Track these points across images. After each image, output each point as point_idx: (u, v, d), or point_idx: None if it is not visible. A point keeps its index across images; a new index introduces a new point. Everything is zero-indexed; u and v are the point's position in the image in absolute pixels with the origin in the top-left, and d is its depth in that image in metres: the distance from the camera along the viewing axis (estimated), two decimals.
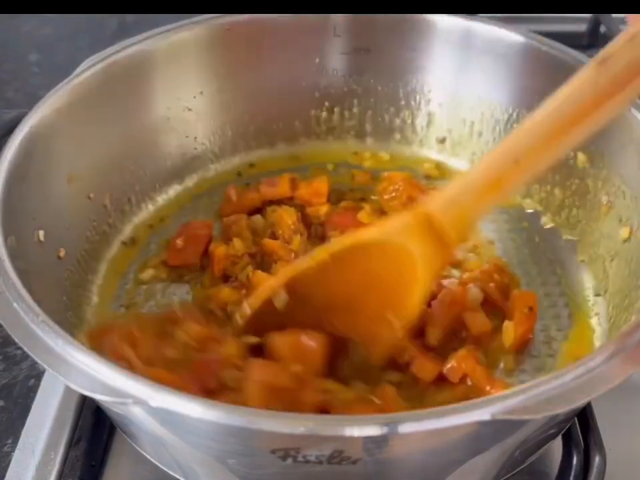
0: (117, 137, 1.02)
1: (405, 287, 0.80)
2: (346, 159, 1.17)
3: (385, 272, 0.80)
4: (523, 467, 0.77)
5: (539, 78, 1.03)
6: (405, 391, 0.82)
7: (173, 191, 1.11)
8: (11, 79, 1.48)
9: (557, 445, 0.80)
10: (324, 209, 1.05)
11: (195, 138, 1.12)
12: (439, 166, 1.14)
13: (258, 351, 0.81)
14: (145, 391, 0.61)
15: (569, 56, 0.99)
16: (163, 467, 0.77)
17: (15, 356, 0.96)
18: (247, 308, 0.85)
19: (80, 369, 0.63)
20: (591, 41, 1.46)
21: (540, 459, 0.81)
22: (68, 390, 0.85)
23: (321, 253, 0.83)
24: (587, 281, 0.97)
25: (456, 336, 0.89)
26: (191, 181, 1.12)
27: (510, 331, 0.88)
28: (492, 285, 0.93)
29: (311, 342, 0.78)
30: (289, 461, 0.62)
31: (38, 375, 0.93)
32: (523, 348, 0.89)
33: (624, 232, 0.91)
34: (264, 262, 0.98)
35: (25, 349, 0.66)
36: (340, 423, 0.60)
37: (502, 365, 0.87)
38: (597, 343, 0.90)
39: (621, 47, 0.71)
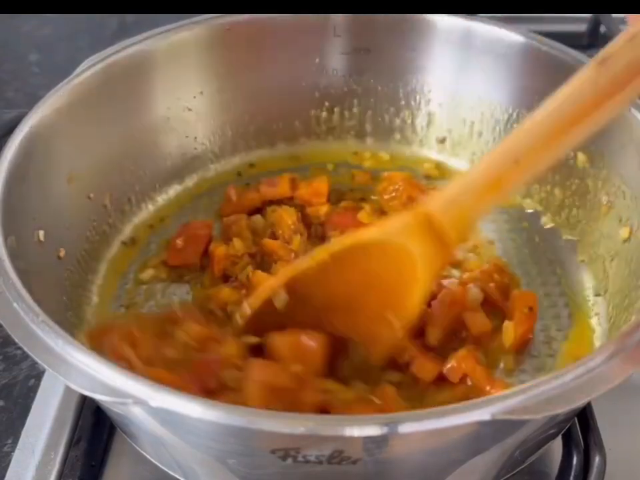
0: (117, 137, 1.02)
1: (405, 287, 0.80)
2: (346, 159, 1.17)
3: (384, 272, 0.80)
4: (523, 467, 0.77)
5: (539, 78, 1.03)
6: (405, 391, 0.82)
7: (173, 191, 1.11)
8: (10, 78, 1.48)
9: (557, 445, 0.80)
10: (324, 209, 1.05)
11: (195, 138, 1.12)
12: (438, 166, 1.14)
13: (258, 351, 0.81)
14: (145, 390, 0.61)
15: (568, 56, 0.99)
16: (163, 467, 0.77)
17: (15, 356, 0.96)
18: (247, 308, 0.85)
19: (80, 369, 0.63)
20: (591, 41, 1.46)
21: (540, 459, 0.81)
22: (68, 390, 0.85)
23: (321, 253, 0.83)
24: (587, 281, 0.97)
25: (456, 336, 0.89)
26: (191, 181, 1.12)
27: (510, 331, 0.88)
28: (492, 284, 0.93)
29: (311, 342, 0.78)
30: (289, 460, 0.62)
31: (38, 375, 0.93)
32: (522, 348, 0.89)
33: (624, 232, 0.91)
34: (264, 262, 0.98)
35: (25, 349, 0.66)
36: (340, 423, 0.60)
37: (502, 364, 0.87)
38: (597, 343, 0.90)
39: (621, 47, 0.71)
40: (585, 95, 0.72)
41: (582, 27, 1.47)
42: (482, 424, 0.60)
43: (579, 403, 0.64)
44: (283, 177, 1.09)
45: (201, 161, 1.13)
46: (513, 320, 0.89)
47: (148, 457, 0.77)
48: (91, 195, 0.98)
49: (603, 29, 1.45)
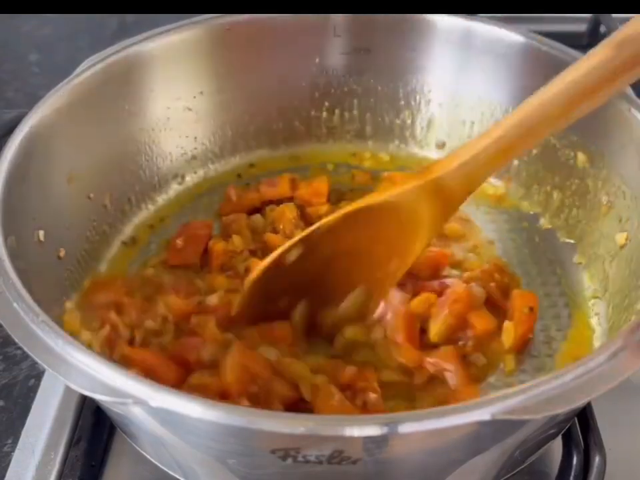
0: (117, 137, 1.02)
1: (409, 240, 0.86)
2: (346, 159, 1.17)
3: (392, 227, 0.85)
4: (523, 467, 0.77)
5: (539, 78, 1.02)
6: (397, 390, 0.83)
7: (173, 191, 1.11)
8: (10, 78, 1.48)
9: (557, 445, 0.80)
10: (324, 209, 1.05)
11: (195, 138, 1.12)
12: None
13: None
14: (145, 391, 0.61)
15: (569, 56, 0.99)
16: (163, 467, 0.77)
17: (15, 356, 0.96)
18: (260, 265, 0.89)
19: (80, 369, 0.63)
20: (591, 41, 1.46)
21: (540, 459, 0.81)
22: (68, 390, 0.85)
23: (336, 214, 0.87)
24: (587, 281, 0.97)
25: (457, 336, 0.89)
26: (191, 181, 1.12)
27: (510, 331, 0.88)
28: (492, 284, 0.93)
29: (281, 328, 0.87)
30: (289, 460, 0.62)
31: (38, 375, 0.93)
32: (522, 348, 0.89)
33: (620, 238, 0.92)
34: (265, 257, 0.98)
35: (25, 349, 0.66)
36: (340, 423, 0.60)
37: (502, 365, 0.87)
38: (597, 343, 0.90)
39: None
40: (602, 72, 0.77)
41: (582, 27, 1.47)
42: (482, 424, 0.60)
43: (579, 402, 0.64)
44: (283, 177, 1.09)
45: (201, 161, 1.13)
46: (512, 320, 0.89)
47: (148, 457, 0.78)
48: (91, 195, 0.98)
49: (603, 29, 1.45)
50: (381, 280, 0.88)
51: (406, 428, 0.59)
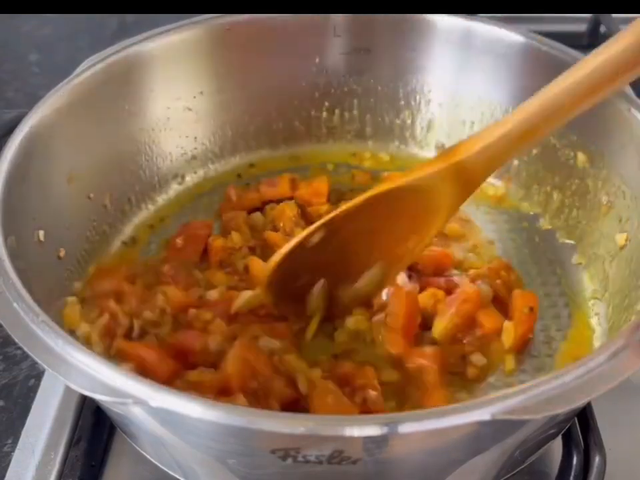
0: (117, 137, 1.02)
1: (429, 219, 0.87)
2: (346, 159, 1.17)
3: (414, 207, 0.87)
4: (523, 467, 0.77)
5: (539, 78, 1.02)
6: (395, 389, 0.83)
7: (173, 191, 1.11)
8: (10, 78, 1.48)
9: (557, 445, 0.80)
10: (324, 209, 1.05)
11: (195, 138, 1.12)
12: None
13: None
14: (145, 391, 0.61)
15: (569, 56, 0.99)
16: (163, 467, 0.77)
17: (15, 356, 0.96)
18: (283, 249, 0.89)
19: (80, 369, 0.63)
20: (591, 41, 1.46)
21: (540, 458, 0.81)
22: (68, 390, 0.85)
23: (360, 197, 0.88)
24: (587, 281, 0.97)
25: (461, 336, 0.89)
26: (191, 181, 1.12)
27: (510, 331, 0.88)
28: (499, 281, 0.93)
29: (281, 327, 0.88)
30: (289, 460, 0.62)
31: (38, 375, 0.93)
32: (522, 348, 0.89)
33: (620, 239, 0.92)
34: (264, 254, 0.98)
35: (25, 349, 0.66)
36: (340, 423, 0.60)
37: (502, 365, 0.87)
38: (597, 343, 0.90)
39: None
40: (628, 56, 0.76)
41: (582, 27, 1.47)
42: (482, 424, 0.60)
43: (579, 402, 0.64)
44: (283, 177, 1.09)
45: (201, 161, 1.13)
46: (513, 320, 0.89)
47: (148, 457, 0.78)
48: (91, 195, 0.98)
49: (603, 28, 1.45)
50: (399, 257, 0.90)
51: (406, 428, 0.59)
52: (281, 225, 1.01)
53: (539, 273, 0.99)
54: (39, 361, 0.65)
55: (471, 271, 0.95)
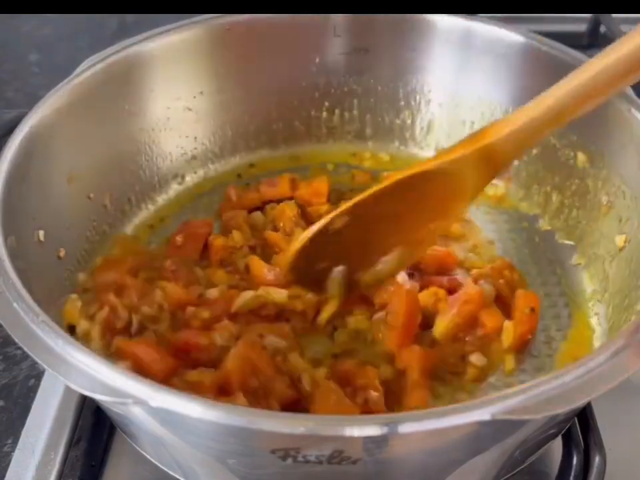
0: (117, 137, 1.02)
1: (453, 202, 0.88)
2: (346, 159, 1.17)
3: (440, 191, 0.87)
4: (523, 467, 0.77)
5: (539, 78, 1.02)
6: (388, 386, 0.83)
7: (173, 190, 1.11)
8: (10, 78, 1.48)
9: (557, 445, 0.80)
10: (324, 209, 1.05)
11: (195, 138, 1.12)
12: None
13: None
14: (145, 391, 0.61)
15: (568, 56, 0.99)
16: (163, 467, 0.77)
17: (15, 356, 0.96)
18: (304, 235, 0.91)
19: (80, 369, 0.63)
20: (591, 41, 1.46)
21: (540, 458, 0.81)
22: (68, 390, 0.85)
23: (387, 181, 0.89)
24: (587, 281, 0.97)
25: (462, 336, 0.89)
26: (191, 181, 1.12)
27: (509, 331, 0.88)
28: (502, 281, 0.93)
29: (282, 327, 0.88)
30: (289, 460, 0.62)
31: (38, 375, 0.93)
32: (522, 348, 0.89)
33: (619, 240, 0.92)
34: (264, 254, 0.98)
35: (25, 349, 0.66)
36: (340, 423, 0.60)
37: (502, 365, 0.87)
38: (597, 343, 0.90)
39: None
40: None
41: (582, 27, 1.47)
42: (482, 424, 0.60)
43: (579, 402, 0.64)
44: (283, 177, 1.09)
45: (201, 161, 1.13)
46: (513, 320, 0.89)
47: (148, 457, 0.78)
48: (91, 195, 0.98)
49: (603, 28, 1.45)
50: (419, 240, 0.91)
51: (406, 428, 0.59)
52: (281, 224, 1.01)
53: (539, 272, 0.99)
54: (39, 361, 0.65)
55: (474, 270, 0.95)
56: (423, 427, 0.59)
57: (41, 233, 0.86)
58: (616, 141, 0.94)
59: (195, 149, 1.12)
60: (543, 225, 1.05)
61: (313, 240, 0.90)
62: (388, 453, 0.64)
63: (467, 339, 0.88)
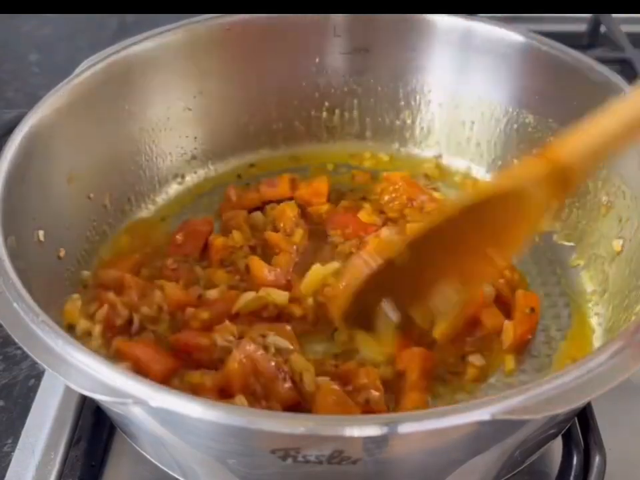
0: (117, 137, 1.02)
1: (517, 227, 0.78)
2: (346, 159, 1.17)
3: (500, 216, 0.78)
4: (523, 467, 0.77)
5: (539, 78, 1.03)
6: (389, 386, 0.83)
7: (173, 190, 1.11)
8: (11, 78, 1.48)
9: (557, 445, 0.80)
10: (324, 208, 1.05)
11: (195, 138, 1.12)
12: (438, 166, 1.14)
13: None
14: (145, 391, 0.61)
15: (568, 56, 0.99)
16: (163, 467, 0.77)
17: (15, 356, 0.96)
18: (373, 261, 0.82)
19: (80, 369, 0.63)
20: (591, 41, 1.46)
21: (540, 458, 0.81)
22: (68, 390, 0.85)
23: (450, 208, 0.82)
24: (587, 281, 0.97)
25: (462, 336, 0.89)
26: (191, 181, 1.12)
27: (509, 331, 0.88)
28: (502, 280, 0.93)
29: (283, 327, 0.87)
30: (289, 461, 0.62)
31: (38, 375, 0.93)
32: (522, 348, 0.89)
33: (616, 245, 0.92)
34: (265, 254, 0.98)
35: (25, 349, 0.66)
36: (340, 423, 0.60)
37: (502, 365, 0.87)
38: (597, 343, 0.90)
39: None
40: None
41: (582, 27, 1.47)
42: (482, 424, 0.60)
43: (579, 402, 0.64)
44: (283, 177, 1.09)
45: (201, 161, 1.13)
46: (513, 320, 0.89)
47: (148, 457, 0.77)
48: (91, 195, 0.98)
49: (603, 28, 1.45)
50: (480, 272, 0.83)
51: (406, 428, 0.59)
52: (282, 225, 1.01)
53: (539, 272, 0.99)
54: (39, 361, 0.65)
55: None
56: (422, 427, 0.59)
57: (41, 232, 0.86)
58: None
59: (195, 149, 1.12)
60: (543, 225, 1.05)
61: (366, 279, 0.82)
62: (388, 453, 0.64)
63: (466, 339, 0.88)
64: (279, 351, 0.83)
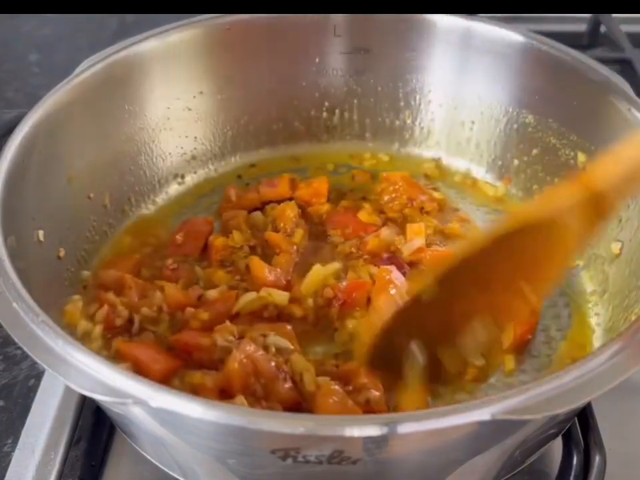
0: (117, 137, 1.02)
1: (550, 259, 0.74)
2: (346, 159, 1.17)
3: (532, 246, 0.73)
4: (523, 467, 0.77)
5: (539, 78, 1.03)
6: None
7: (173, 191, 1.11)
8: (11, 78, 1.48)
9: (557, 445, 0.80)
10: (324, 208, 1.05)
11: (195, 138, 1.12)
12: (438, 166, 1.14)
13: None
14: (145, 391, 0.61)
15: (569, 56, 0.99)
16: (163, 467, 0.77)
17: (15, 356, 0.96)
18: (400, 298, 0.79)
19: (80, 369, 0.63)
20: (591, 41, 1.46)
21: (540, 458, 0.81)
22: (68, 390, 0.85)
23: (477, 240, 0.76)
24: (587, 282, 0.97)
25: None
26: (191, 181, 1.12)
27: (509, 331, 0.88)
28: None
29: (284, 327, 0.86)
30: (289, 461, 0.62)
31: (38, 375, 0.93)
32: (522, 348, 0.89)
33: (615, 248, 0.92)
34: (265, 254, 0.98)
35: (25, 349, 0.66)
36: (340, 423, 0.60)
37: (502, 365, 0.87)
38: (597, 343, 0.90)
39: None
40: None
41: (582, 27, 1.47)
42: (482, 424, 0.60)
43: (579, 402, 0.64)
44: (283, 177, 1.09)
45: (201, 161, 1.13)
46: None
47: (148, 457, 0.78)
48: (91, 195, 0.98)
49: (603, 28, 1.45)
50: (512, 308, 0.78)
51: (406, 428, 0.59)
52: (282, 225, 1.01)
53: None
54: (39, 361, 0.65)
55: None
56: (422, 427, 0.59)
57: (41, 232, 0.86)
58: (616, 141, 0.93)
59: (195, 149, 1.12)
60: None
61: (392, 317, 0.78)
62: (388, 453, 0.64)
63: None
64: (280, 350, 0.83)
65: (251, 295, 0.90)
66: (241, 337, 0.84)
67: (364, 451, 0.62)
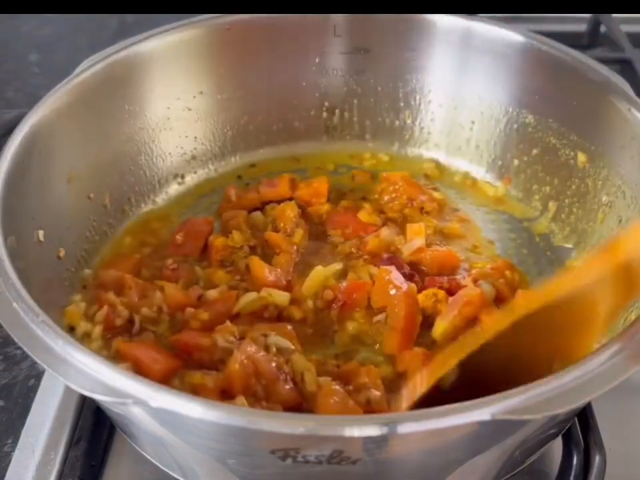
0: (117, 137, 1.02)
1: (579, 332, 0.71)
2: (346, 159, 1.17)
3: (562, 321, 0.71)
4: (523, 467, 0.77)
5: (539, 78, 1.03)
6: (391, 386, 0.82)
7: (173, 191, 1.11)
8: (11, 78, 1.48)
9: (557, 445, 0.79)
10: (324, 208, 1.05)
11: (195, 138, 1.12)
12: (438, 166, 1.14)
13: None
14: (145, 391, 0.61)
15: (569, 56, 0.99)
16: (163, 467, 0.77)
17: (15, 356, 0.96)
18: (418, 387, 0.75)
19: (80, 369, 0.63)
20: (591, 41, 1.46)
21: (540, 458, 0.81)
22: (68, 390, 0.85)
23: (501, 320, 0.73)
24: None
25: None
26: (191, 181, 1.12)
27: None
28: (502, 280, 0.93)
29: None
30: (289, 461, 0.62)
31: (38, 375, 0.93)
32: None
33: None
34: (265, 254, 0.98)
35: (25, 349, 0.66)
36: (340, 423, 0.60)
37: None
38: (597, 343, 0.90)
39: None
40: None
41: (582, 27, 1.47)
42: (482, 424, 0.60)
43: (579, 402, 0.64)
44: (283, 177, 1.09)
45: (201, 161, 1.13)
46: None
47: (148, 457, 0.77)
48: (91, 195, 0.98)
49: (603, 28, 1.45)
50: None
51: (406, 428, 0.59)
52: (282, 225, 1.01)
53: (539, 272, 0.99)
54: (39, 361, 0.65)
55: (474, 271, 0.95)
56: (422, 427, 0.59)
57: (41, 232, 0.86)
58: (616, 140, 0.94)
59: (195, 149, 1.12)
60: (543, 225, 1.05)
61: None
62: (388, 453, 0.64)
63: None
64: (280, 350, 0.83)
65: (252, 295, 0.90)
66: (241, 337, 0.84)
67: (364, 451, 0.62)
